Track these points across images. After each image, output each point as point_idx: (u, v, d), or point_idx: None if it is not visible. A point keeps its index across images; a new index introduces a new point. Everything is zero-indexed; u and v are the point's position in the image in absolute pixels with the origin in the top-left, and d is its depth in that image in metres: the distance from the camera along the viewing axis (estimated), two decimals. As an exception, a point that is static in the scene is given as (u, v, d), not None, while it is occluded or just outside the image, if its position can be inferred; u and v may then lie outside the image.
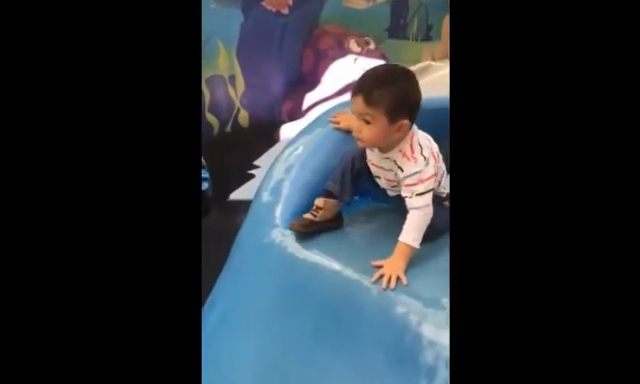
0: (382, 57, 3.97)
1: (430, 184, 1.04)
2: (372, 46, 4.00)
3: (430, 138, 1.11)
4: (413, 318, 0.90)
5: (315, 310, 1.04)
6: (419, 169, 1.03)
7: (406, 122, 1.02)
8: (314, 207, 1.13)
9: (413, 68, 1.50)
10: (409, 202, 1.04)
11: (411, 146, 1.04)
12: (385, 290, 0.95)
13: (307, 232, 1.12)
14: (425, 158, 1.04)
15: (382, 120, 1.00)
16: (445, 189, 1.20)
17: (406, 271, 0.98)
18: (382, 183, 1.15)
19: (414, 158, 1.03)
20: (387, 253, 1.03)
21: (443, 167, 1.17)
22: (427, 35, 4.66)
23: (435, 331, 0.86)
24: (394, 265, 0.98)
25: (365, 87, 1.01)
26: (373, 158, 1.12)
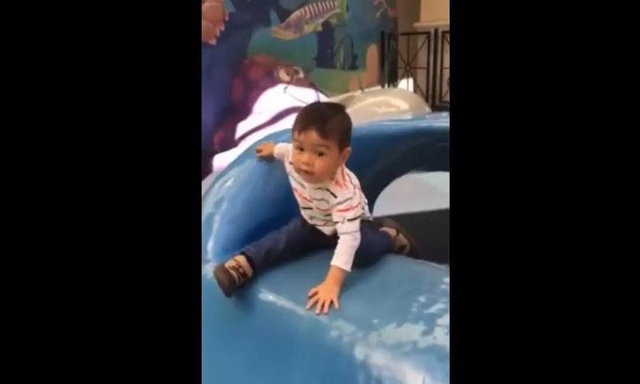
0: (311, 85, 4.10)
1: (359, 211, 1.10)
2: (301, 75, 4.12)
3: (350, 171, 1.18)
4: (345, 342, 0.93)
5: (250, 341, 1.03)
6: (350, 195, 1.09)
7: (349, 148, 1.10)
8: (241, 270, 1.09)
9: (337, 98, 1.58)
10: (340, 227, 1.08)
11: (342, 175, 1.11)
12: (319, 314, 0.97)
13: (223, 289, 1.08)
14: (354, 186, 1.12)
15: (334, 149, 1.06)
16: (368, 214, 1.25)
17: (339, 296, 1.01)
18: (312, 213, 1.18)
19: (346, 185, 1.10)
20: (318, 280, 1.05)
21: (363, 196, 1.22)
22: (353, 64, 4.90)
23: (366, 352, 0.89)
24: (327, 290, 1.01)
25: (317, 120, 1.05)
26: (304, 192, 1.16)
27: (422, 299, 0.99)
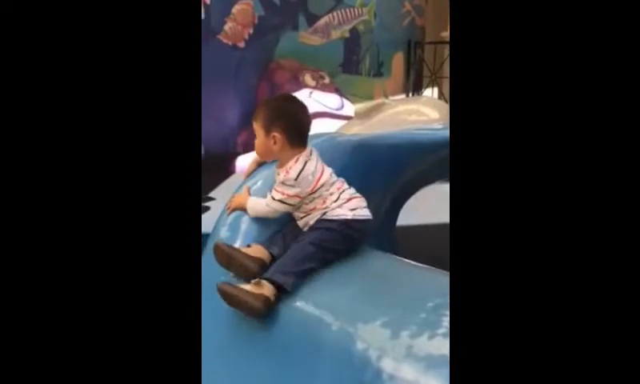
0: (336, 91, 4.10)
1: (290, 200, 1.16)
2: (326, 81, 4.12)
3: (331, 171, 1.19)
4: (372, 354, 0.90)
5: (276, 346, 1.02)
6: (283, 180, 1.16)
7: (277, 134, 1.16)
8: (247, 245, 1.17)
9: (367, 105, 1.56)
10: (267, 197, 1.19)
11: (294, 163, 1.16)
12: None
13: (220, 252, 1.12)
14: (297, 177, 1.14)
15: (260, 132, 1.19)
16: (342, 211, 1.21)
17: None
18: None
19: (288, 171, 1.16)
20: (346, 288, 1.05)
21: (346, 193, 1.19)
22: (378, 71, 4.88)
23: (394, 365, 0.87)
24: (239, 198, 1.24)
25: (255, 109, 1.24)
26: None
27: (453, 314, 0.96)
